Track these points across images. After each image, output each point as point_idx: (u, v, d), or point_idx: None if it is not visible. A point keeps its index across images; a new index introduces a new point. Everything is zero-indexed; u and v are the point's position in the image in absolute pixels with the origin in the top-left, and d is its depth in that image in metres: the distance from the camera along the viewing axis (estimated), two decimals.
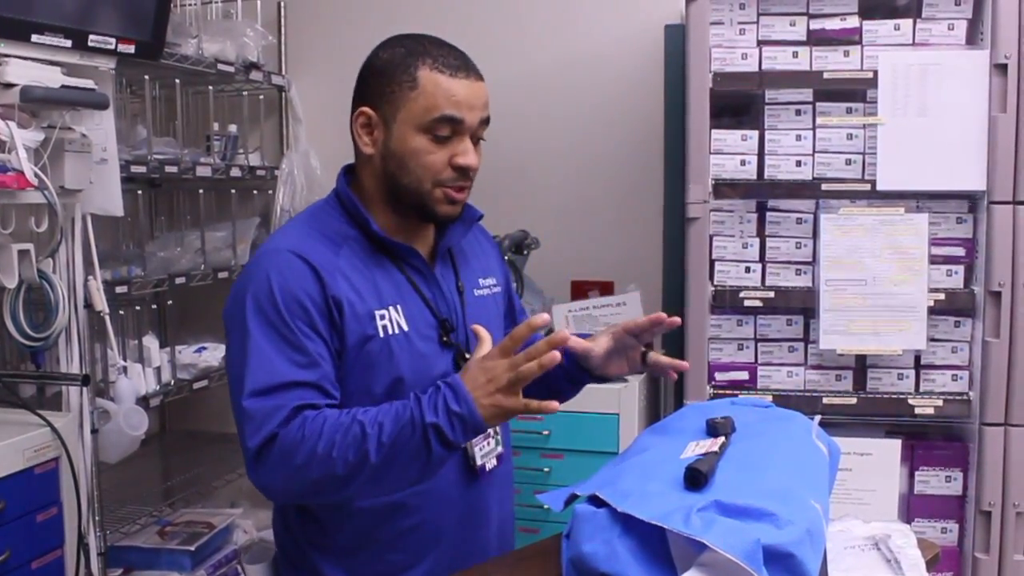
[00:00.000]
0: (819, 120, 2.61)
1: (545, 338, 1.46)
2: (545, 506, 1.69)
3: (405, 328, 1.63)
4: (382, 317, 1.61)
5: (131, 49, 2.36)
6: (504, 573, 1.60)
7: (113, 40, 2.32)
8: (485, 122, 1.65)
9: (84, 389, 2.43)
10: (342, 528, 1.67)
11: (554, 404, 1.45)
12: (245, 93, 3.22)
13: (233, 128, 3.17)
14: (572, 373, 1.80)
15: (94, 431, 2.48)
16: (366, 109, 1.64)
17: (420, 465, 1.49)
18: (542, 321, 1.45)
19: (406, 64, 1.61)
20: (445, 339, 1.67)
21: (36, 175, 2.11)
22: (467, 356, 1.65)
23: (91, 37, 2.26)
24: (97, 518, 2.50)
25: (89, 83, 2.27)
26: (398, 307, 1.63)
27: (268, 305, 1.55)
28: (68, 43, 2.21)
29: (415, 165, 1.60)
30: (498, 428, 1.78)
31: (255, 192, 3.36)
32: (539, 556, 1.59)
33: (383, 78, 1.63)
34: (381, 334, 1.60)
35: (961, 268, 2.60)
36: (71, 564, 2.32)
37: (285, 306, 1.54)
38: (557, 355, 1.42)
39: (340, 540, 1.68)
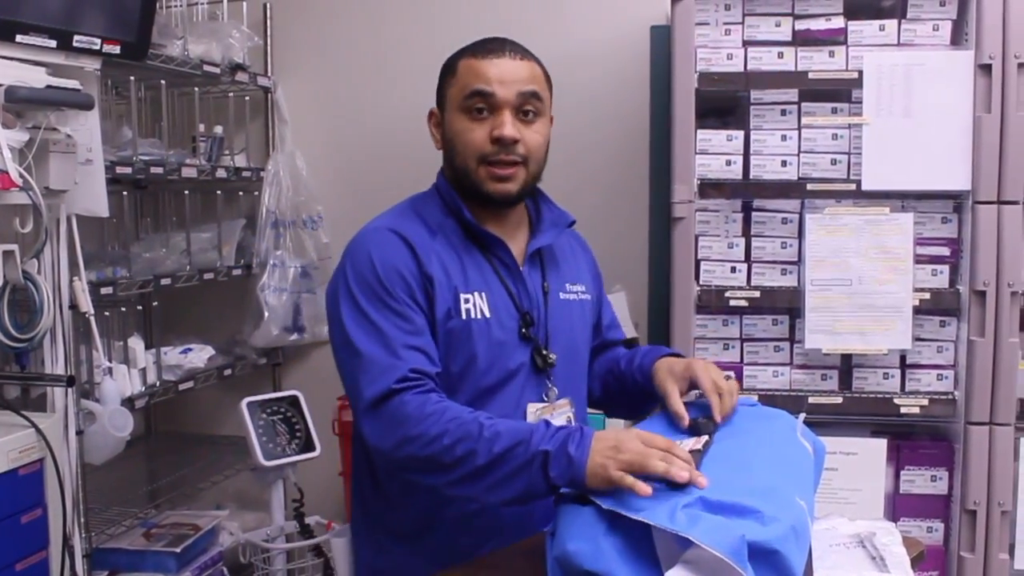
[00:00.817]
0: (804, 120, 2.62)
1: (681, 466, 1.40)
2: None
3: (487, 315, 1.71)
4: (467, 301, 1.70)
5: (116, 50, 2.35)
6: (490, 571, 1.60)
7: (98, 41, 2.30)
8: (531, 96, 1.73)
9: (69, 390, 2.41)
10: (408, 506, 1.74)
11: (647, 490, 1.37)
12: (231, 94, 3.21)
13: (219, 129, 3.16)
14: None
15: (79, 432, 2.46)
16: (433, 108, 1.83)
17: (517, 487, 1.49)
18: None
19: (452, 61, 1.78)
20: (524, 331, 1.74)
21: (21, 175, 2.10)
22: (544, 352, 1.75)
23: (76, 38, 2.25)
24: (82, 520, 2.49)
25: (74, 83, 2.26)
26: (483, 294, 1.72)
27: (371, 277, 1.65)
28: (53, 43, 2.20)
29: (461, 145, 1.73)
30: (574, 416, 1.81)
31: (240, 193, 3.35)
32: (525, 555, 1.59)
33: (440, 78, 1.81)
34: (464, 316, 1.69)
35: (946, 268, 2.62)
36: (56, 566, 2.30)
37: (386, 277, 1.65)
38: (703, 481, 1.38)
39: (406, 519, 1.75)
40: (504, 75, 1.71)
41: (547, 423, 1.51)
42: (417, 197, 1.85)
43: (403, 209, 1.81)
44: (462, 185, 1.76)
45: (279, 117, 3.41)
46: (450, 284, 1.69)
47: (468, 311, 1.70)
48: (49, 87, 2.20)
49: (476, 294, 1.71)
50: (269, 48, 3.41)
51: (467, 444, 1.50)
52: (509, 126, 1.70)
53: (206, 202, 3.20)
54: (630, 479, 1.37)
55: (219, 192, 3.15)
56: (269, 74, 3.40)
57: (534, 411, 1.74)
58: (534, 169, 1.77)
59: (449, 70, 1.78)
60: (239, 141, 3.34)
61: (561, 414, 1.78)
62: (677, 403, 1.68)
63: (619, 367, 1.94)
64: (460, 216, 1.76)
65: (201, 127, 3.13)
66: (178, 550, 2.84)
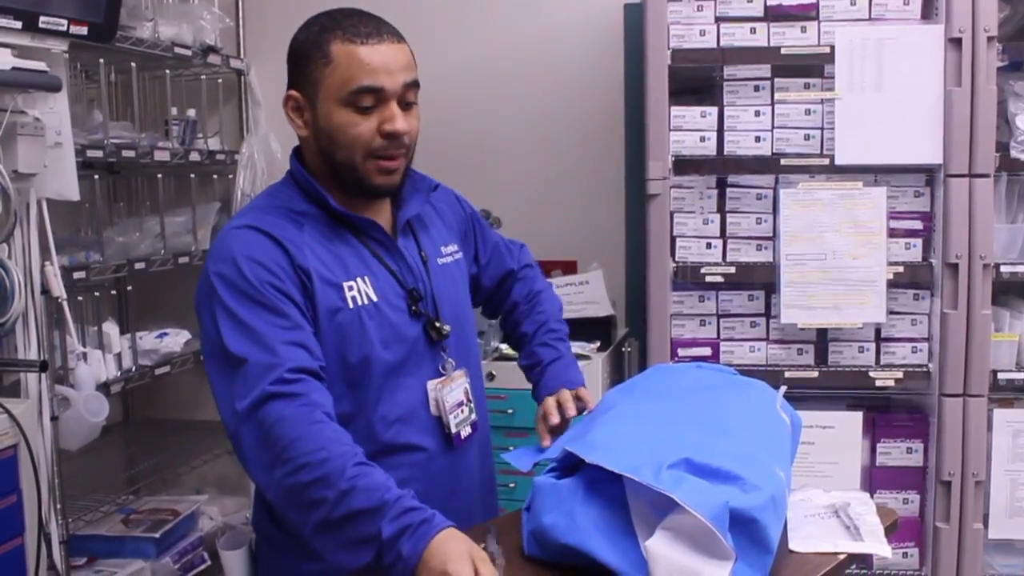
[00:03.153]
0: (777, 96, 2.63)
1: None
2: (513, 466, 1.68)
3: (374, 299, 1.63)
4: (350, 288, 1.61)
5: (83, 31, 2.33)
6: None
7: (65, 22, 2.28)
8: (412, 85, 1.62)
9: (42, 376, 2.40)
10: None
11: None
12: (203, 77, 3.19)
13: (192, 112, 3.13)
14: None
15: (54, 418, 2.45)
16: (293, 92, 1.64)
17: (347, 546, 1.37)
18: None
19: (319, 41, 1.59)
20: (414, 308, 1.68)
21: None
22: (436, 324, 1.69)
23: (42, 19, 2.23)
24: (59, 506, 2.48)
25: (41, 65, 2.24)
26: (366, 279, 1.64)
27: (238, 278, 1.53)
28: (18, 24, 2.18)
29: (344, 139, 1.59)
30: (471, 395, 1.78)
31: (215, 177, 3.33)
32: (500, 530, 1.59)
33: (301, 59, 1.62)
34: (351, 305, 1.61)
35: (919, 241, 2.63)
36: (32, 552, 2.29)
37: (255, 276, 1.53)
38: None
39: None
40: (389, 64, 1.58)
41: (404, 495, 1.38)
42: (275, 189, 1.72)
43: (262, 204, 1.67)
44: (341, 177, 1.64)
45: (252, 100, 3.39)
46: (330, 275, 1.61)
47: (354, 299, 1.62)
48: (15, 69, 2.18)
49: (359, 280, 1.63)
50: (241, 30, 3.38)
51: (322, 489, 1.37)
52: (401, 120, 1.59)
53: (180, 186, 3.18)
54: None
55: (193, 176, 3.12)
56: (242, 56, 3.38)
57: (433, 387, 1.69)
58: (411, 155, 1.70)
59: (318, 54, 1.59)
60: (213, 124, 3.31)
61: (458, 386, 1.74)
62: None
63: (523, 341, 2.00)
64: (324, 204, 1.65)
65: (174, 110, 3.10)
66: (157, 535, 2.85)
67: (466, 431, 1.75)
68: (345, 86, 1.56)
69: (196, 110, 3.16)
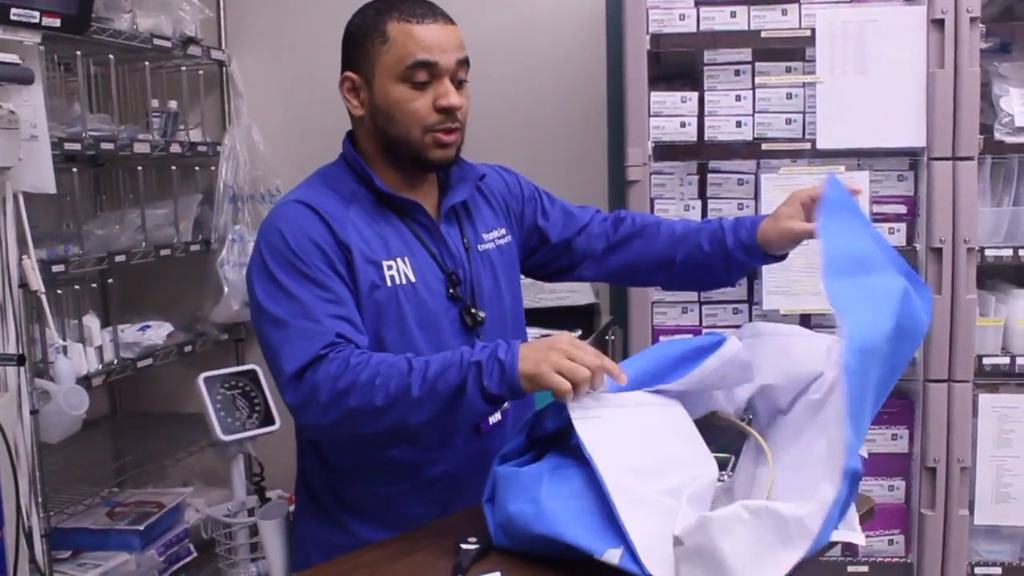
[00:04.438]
0: (758, 80, 2.60)
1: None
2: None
3: (412, 279, 1.68)
4: (389, 267, 1.67)
5: (56, 23, 2.31)
6: (432, 539, 1.59)
7: (37, 14, 2.26)
8: (464, 63, 1.70)
9: (21, 369, 2.39)
10: (356, 479, 1.73)
11: (568, 392, 1.43)
12: (184, 69, 3.17)
13: (173, 104, 3.12)
14: (750, 248, 1.82)
15: (34, 412, 2.44)
16: (349, 73, 1.72)
17: (456, 408, 1.49)
18: None
19: (375, 23, 1.68)
20: (452, 292, 1.72)
21: None
22: (473, 311, 1.74)
23: (13, 11, 2.20)
24: (40, 500, 2.47)
25: (13, 57, 2.22)
26: (405, 259, 1.69)
27: (285, 250, 1.61)
28: None
29: (401, 115, 1.67)
30: None
31: (197, 169, 3.31)
32: (467, 522, 1.57)
33: (358, 41, 1.71)
34: (389, 283, 1.66)
35: (903, 226, 2.61)
36: (12, 546, 2.29)
37: (300, 249, 1.61)
38: (623, 379, 1.48)
39: (355, 492, 1.74)
40: (443, 42, 1.67)
41: (472, 347, 1.52)
42: (327, 169, 1.80)
43: (312, 182, 1.76)
44: (395, 152, 1.71)
45: (234, 91, 3.37)
46: (370, 253, 1.66)
47: (392, 278, 1.67)
48: None
49: (399, 259, 1.69)
50: (223, 21, 3.36)
51: (399, 381, 1.49)
52: (455, 95, 1.67)
53: (163, 178, 3.16)
54: (565, 384, 1.41)
55: (176, 168, 3.11)
56: (223, 47, 3.36)
57: None
58: (464, 133, 1.76)
59: (375, 34, 1.68)
60: (194, 116, 3.29)
61: None
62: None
63: (701, 250, 1.87)
64: (372, 185, 1.72)
65: (155, 103, 3.08)
66: (141, 528, 2.83)
67: (495, 418, 1.76)
68: (402, 62, 1.65)
69: (178, 102, 3.14)
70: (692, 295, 2.70)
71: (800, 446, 1.52)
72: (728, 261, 1.84)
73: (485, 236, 1.85)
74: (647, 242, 1.93)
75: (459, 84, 1.70)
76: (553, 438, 1.53)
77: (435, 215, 1.78)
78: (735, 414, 1.68)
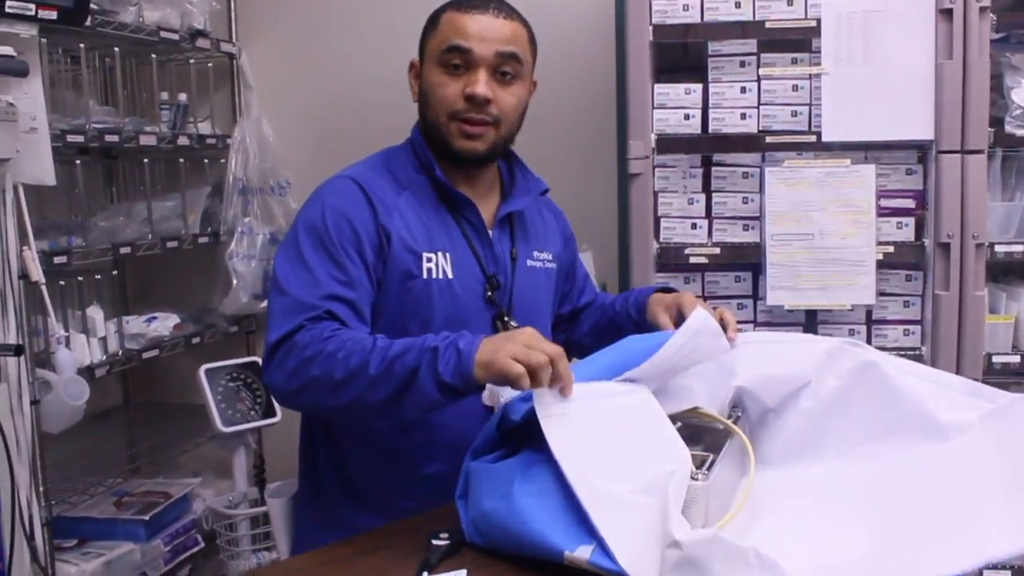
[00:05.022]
0: (763, 71, 2.55)
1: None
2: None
3: (450, 275, 1.69)
4: (429, 260, 1.67)
5: (52, 15, 2.32)
6: (406, 534, 1.57)
7: (33, 6, 2.28)
8: (510, 57, 1.69)
9: (21, 360, 2.41)
10: (357, 465, 1.73)
11: (522, 375, 1.39)
12: (192, 62, 3.18)
13: (183, 97, 3.13)
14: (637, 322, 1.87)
15: (35, 402, 2.47)
16: (414, 59, 1.79)
17: (409, 391, 1.44)
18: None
19: (436, 14, 1.74)
20: (490, 295, 1.72)
21: None
22: (506, 319, 1.73)
23: (8, 3, 2.22)
24: (41, 489, 2.50)
25: (8, 50, 2.24)
26: (447, 254, 1.69)
27: (319, 223, 1.62)
28: None
29: (433, 99, 1.70)
30: None
31: (206, 161, 3.32)
32: (445, 518, 1.56)
33: (424, 31, 1.77)
34: (425, 275, 1.66)
35: (911, 220, 2.54)
36: (9, 534, 2.31)
37: (334, 225, 1.61)
38: (569, 391, 1.42)
39: (356, 477, 1.74)
40: (484, 32, 1.67)
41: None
42: (391, 150, 1.81)
43: (373, 162, 1.77)
44: (432, 140, 1.73)
45: (244, 83, 3.38)
46: (411, 241, 1.66)
47: (430, 270, 1.67)
48: None
49: (440, 254, 1.68)
50: (233, 13, 3.36)
51: (360, 356, 1.45)
52: (482, 85, 1.67)
53: (173, 171, 3.18)
54: (519, 368, 1.37)
55: (186, 161, 3.13)
56: (234, 40, 3.36)
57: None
58: (505, 131, 1.74)
59: (432, 21, 1.74)
60: (204, 109, 3.31)
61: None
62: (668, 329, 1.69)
63: (613, 308, 1.94)
64: (431, 174, 1.73)
65: (164, 95, 3.10)
66: (147, 518, 2.86)
67: None
68: (440, 46, 1.69)
69: (187, 94, 3.15)
70: (696, 291, 2.65)
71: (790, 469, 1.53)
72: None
73: (536, 253, 1.85)
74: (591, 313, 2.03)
75: (504, 78, 1.70)
76: (527, 432, 1.51)
77: (490, 219, 1.78)
78: (720, 410, 1.64)
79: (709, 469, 1.53)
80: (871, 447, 1.53)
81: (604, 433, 1.43)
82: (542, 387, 1.39)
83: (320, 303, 1.55)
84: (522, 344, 1.39)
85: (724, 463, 1.51)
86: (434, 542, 1.45)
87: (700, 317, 1.58)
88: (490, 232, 1.77)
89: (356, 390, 1.46)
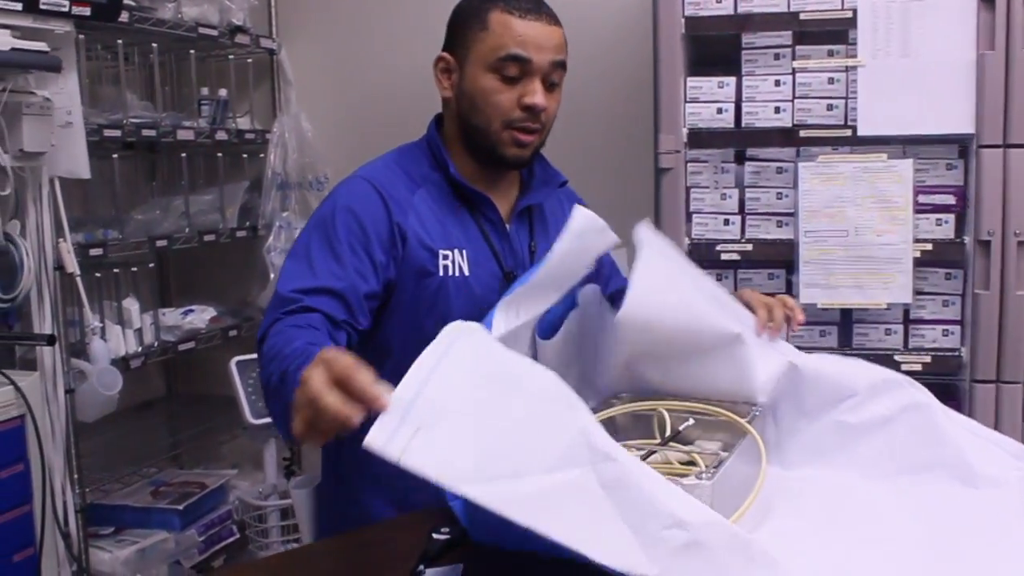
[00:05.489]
0: (796, 64, 2.50)
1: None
2: None
3: (466, 272, 1.68)
4: (445, 257, 1.66)
5: (86, 12, 2.36)
6: (409, 529, 1.57)
7: (67, 2, 2.32)
8: (559, 66, 1.68)
9: (56, 349, 2.46)
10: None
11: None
12: (232, 57, 3.21)
13: (223, 92, 3.16)
14: None
15: (69, 391, 2.51)
16: (444, 54, 1.72)
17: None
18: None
19: (480, 10, 1.68)
20: None
21: None
22: None
23: (43, 0, 2.27)
24: (75, 476, 2.54)
25: (41, 45, 2.28)
26: (463, 252, 1.69)
27: (329, 220, 1.62)
28: (19, 6, 2.23)
29: (485, 104, 1.66)
30: None
31: (245, 156, 3.36)
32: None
33: (459, 24, 1.71)
34: (441, 273, 1.65)
35: (952, 217, 2.46)
36: (40, 519, 2.36)
37: (343, 221, 1.61)
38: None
39: (370, 464, 1.65)
40: (541, 41, 1.65)
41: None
42: (405, 148, 1.80)
43: (388, 160, 1.76)
44: (472, 141, 1.71)
45: (284, 79, 3.40)
46: (427, 239, 1.65)
47: (446, 267, 1.66)
48: (15, 49, 2.22)
49: (456, 251, 1.68)
50: (273, 9, 3.39)
51: (275, 364, 1.38)
52: (541, 96, 1.65)
53: (213, 166, 3.22)
54: (298, 429, 1.13)
55: (221, 155, 3.16)
56: (274, 36, 3.39)
57: None
58: (546, 135, 1.75)
59: (476, 20, 1.68)
60: (245, 104, 3.34)
61: None
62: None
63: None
64: (446, 171, 1.72)
65: (205, 91, 3.14)
66: (181, 508, 2.89)
67: None
68: (495, 52, 1.64)
69: (227, 90, 3.19)
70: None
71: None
72: None
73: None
74: None
75: (551, 86, 1.68)
76: None
77: (508, 212, 1.77)
78: (765, 379, 1.61)
79: (716, 468, 1.50)
80: (898, 479, 1.51)
81: (482, 429, 1.13)
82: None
83: (298, 296, 1.53)
84: (311, 408, 1.10)
85: (740, 459, 1.48)
86: (434, 536, 1.44)
87: (582, 215, 1.55)
88: (508, 226, 1.76)
89: (269, 400, 1.42)
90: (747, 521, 1.32)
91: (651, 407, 1.60)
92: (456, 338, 1.22)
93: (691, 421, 1.58)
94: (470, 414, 1.13)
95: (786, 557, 1.21)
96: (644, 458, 1.43)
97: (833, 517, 1.43)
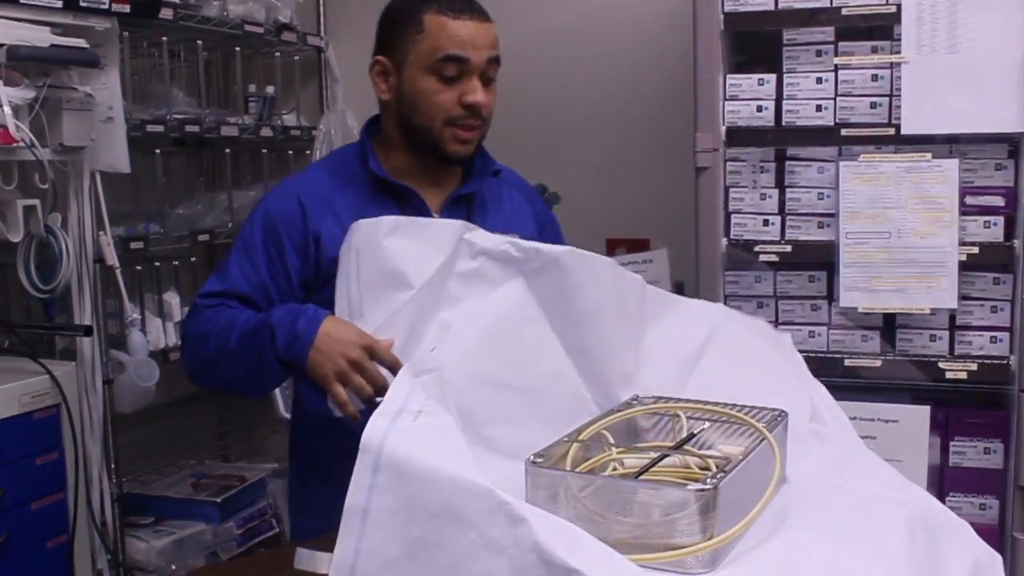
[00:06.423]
0: (839, 61, 2.43)
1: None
2: None
3: None
4: None
5: (126, 9, 2.40)
6: None
7: (107, 0, 2.36)
8: (494, 61, 1.72)
9: (94, 340, 2.50)
10: (325, 442, 1.73)
11: (355, 415, 1.44)
12: (278, 55, 3.24)
13: (271, 89, 3.19)
14: None
15: (108, 381, 2.56)
16: (380, 57, 1.77)
17: (260, 365, 1.55)
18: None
19: (413, 10, 1.71)
20: None
21: (19, 130, 2.17)
22: None
23: None
24: (112, 465, 2.58)
25: (80, 42, 2.32)
26: None
27: (249, 225, 1.75)
28: (59, 3, 2.27)
29: (426, 105, 1.69)
30: None
31: (290, 153, 3.38)
32: None
33: (393, 26, 1.74)
34: None
35: (1001, 219, 2.37)
36: (83, 508, 2.40)
37: (262, 226, 1.72)
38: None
39: (323, 455, 1.75)
40: (476, 39, 1.69)
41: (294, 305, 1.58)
42: (340, 150, 1.90)
43: (316, 166, 1.87)
44: (415, 139, 1.74)
45: (331, 76, 3.42)
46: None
47: None
48: (54, 46, 2.26)
49: None
50: (321, 7, 3.41)
51: (224, 333, 1.59)
52: (481, 93, 1.69)
53: (259, 162, 3.25)
54: (341, 394, 1.44)
55: (265, 151, 3.19)
56: (322, 33, 3.41)
57: None
58: (486, 129, 1.78)
59: (411, 22, 1.70)
60: (291, 100, 3.36)
61: None
62: None
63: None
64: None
65: (252, 87, 3.17)
66: (219, 500, 2.92)
67: None
68: (433, 54, 1.67)
69: (275, 87, 3.21)
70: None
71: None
72: None
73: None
74: None
75: (487, 81, 1.71)
76: None
77: (438, 204, 1.79)
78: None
79: (724, 474, 1.46)
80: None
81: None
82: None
83: (210, 302, 1.68)
84: (354, 369, 1.45)
85: (755, 466, 1.43)
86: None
87: (355, 227, 1.56)
88: (435, 215, 1.77)
89: (225, 365, 1.61)
90: (759, 530, 1.28)
91: (671, 409, 1.57)
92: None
93: (707, 425, 1.54)
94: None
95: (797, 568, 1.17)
96: (656, 462, 1.40)
97: (853, 529, 1.37)
